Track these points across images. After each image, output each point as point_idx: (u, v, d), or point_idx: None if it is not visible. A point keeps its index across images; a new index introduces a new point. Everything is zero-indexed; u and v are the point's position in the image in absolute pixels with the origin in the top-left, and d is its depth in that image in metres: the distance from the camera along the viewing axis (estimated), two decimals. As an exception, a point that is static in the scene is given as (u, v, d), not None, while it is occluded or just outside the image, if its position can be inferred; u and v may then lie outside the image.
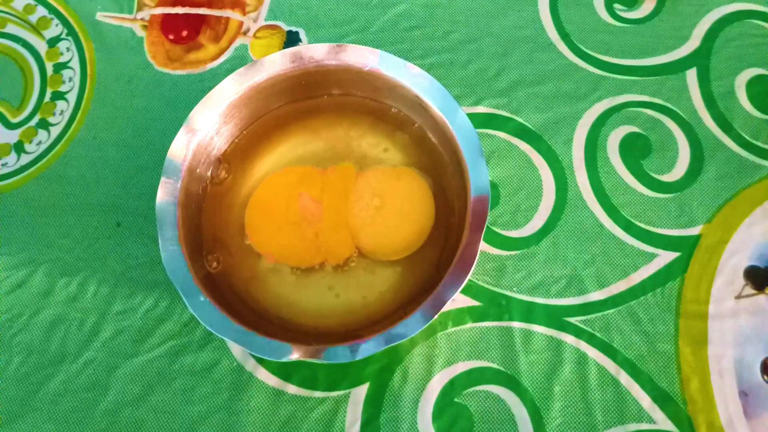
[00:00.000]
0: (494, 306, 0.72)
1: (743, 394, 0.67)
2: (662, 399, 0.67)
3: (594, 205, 0.76)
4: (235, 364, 0.71)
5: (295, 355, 0.60)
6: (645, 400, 0.68)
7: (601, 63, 0.83)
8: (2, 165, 0.82)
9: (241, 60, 0.86)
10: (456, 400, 0.68)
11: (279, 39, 0.87)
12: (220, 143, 0.73)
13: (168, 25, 0.89)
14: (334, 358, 0.60)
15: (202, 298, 0.63)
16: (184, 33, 0.88)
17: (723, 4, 0.86)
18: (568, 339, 0.70)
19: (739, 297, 0.71)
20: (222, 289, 0.68)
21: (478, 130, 0.76)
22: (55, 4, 0.91)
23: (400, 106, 0.74)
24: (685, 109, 0.80)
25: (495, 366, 0.69)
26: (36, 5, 0.91)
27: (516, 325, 0.71)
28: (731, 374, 0.68)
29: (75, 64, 0.88)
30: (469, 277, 0.61)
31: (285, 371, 0.71)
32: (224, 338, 0.64)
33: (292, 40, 0.87)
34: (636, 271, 0.73)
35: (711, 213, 0.75)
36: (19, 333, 0.74)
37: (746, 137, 0.78)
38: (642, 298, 0.72)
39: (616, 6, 0.87)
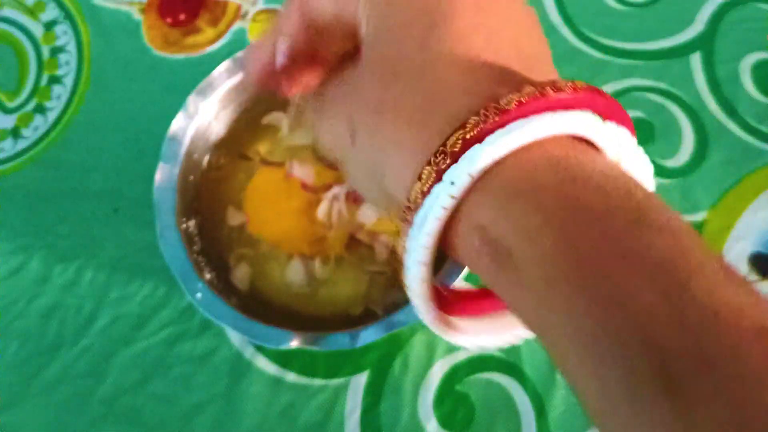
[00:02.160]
0: (496, 293, 0.72)
1: (747, 382, 0.67)
2: (665, 387, 0.67)
3: (597, 190, 0.75)
4: (233, 351, 0.71)
5: (294, 343, 0.60)
6: (648, 388, 0.67)
7: (604, 47, 0.82)
8: (-1, 150, 0.82)
9: (239, 44, 0.85)
10: (457, 387, 0.68)
11: (278, 23, 0.86)
12: (218, 128, 0.73)
13: (166, 8, 0.88)
14: (334, 345, 0.60)
15: (200, 284, 0.62)
16: (182, 16, 0.87)
17: (727, -13, 0.85)
18: (571, 326, 0.70)
19: (743, 284, 0.70)
20: (220, 275, 0.68)
21: (479, 115, 0.75)
22: (51, -12, 0.91)
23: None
24: (690, 94, 0.79)
25: (496, 353, 0.69)
26: (32, -12, 0.91)
27: (517, 311, 0.71)
28: (735, 362, 0.68)
29: (72, 47, 0.87)
30: (470, 263, 0.61)
31: (284, 359, 0.70)
32: (223, 325, 0.64)
33: (291, 23, 0.86)
34: (639, 257, 0.72)
35: (715, 199, 0.74)
36: (16, 320, 0.73)
37: (751, 122, 0.77)
38: (645, 284, 0.71)
39: (620, -11, 0.86)
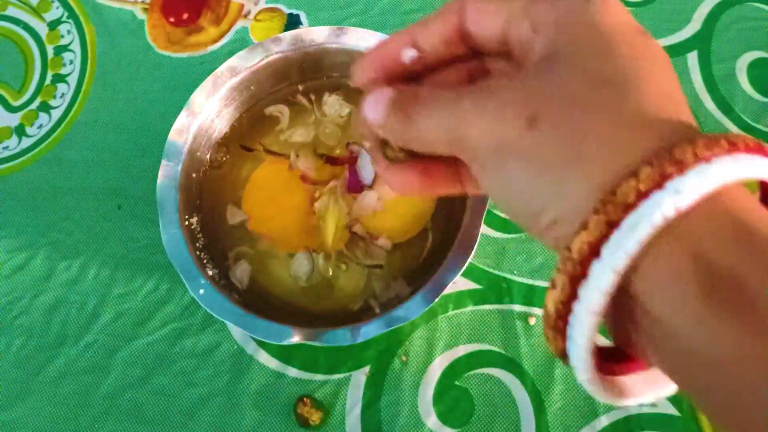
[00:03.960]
0: (495, 289, 0.72)
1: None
2: (663, 382, 0.68)
3: (595, 188, 0.76)
4: (235, 347, 0.71)
5: (295, 338, 0.60)
6: (645, 383, 0.68)
7: (602, 46, 0.83)
8: (3, 148, 0.82)
9: (241, 43, 0.86)
10: (457, 383, 0.69)
11: (280, 22, 0.87)
12: (220, 126, 0.73)
13: (169, 7, 0.89)
14: (335, 341, 0.60)
15: (202, 281, 0.63)
16: (185, 16, 0.88)
17: (724, -14, 0.86)
18: (569, 322, 0.70)
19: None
20: (222, 272, 0.68)
21: (478, 113, 0.76)
22: (55, -13, 0.91)
23: (400, 88, 0.74)
24: (686, 92, 0.78)
25: (496, 349, 0.70)
26: (36, -12, 0.91)
27: (517, 308, 0.71)
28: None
29: (76, 46, 0.87)
30: (469, 260, 0.61)
31: (286, 354, 0.71)
32: (225, 321, 0.64)
33: (292, 22, 0.87)
34: (637, 253, 0.73)
35: (712, 196, 0.74)
36: (20, 316, 0.74)
37: (747, 120, 0.78)
38: (643, 280, 0.72)
39: (618, -12, 0.86)
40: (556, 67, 0.35)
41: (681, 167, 0.29)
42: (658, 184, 0.29)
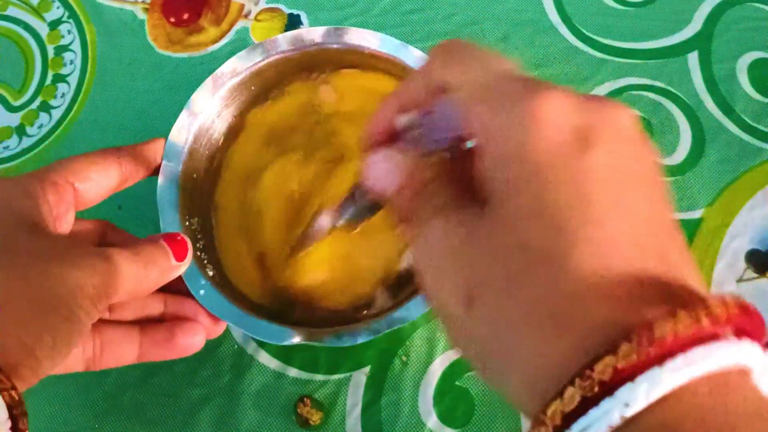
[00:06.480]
0: (496, 288, 0.72)
1: (744, 378, 0.67)
2: (663, 382, 0.67)
3: (595, 188, 0.75)
4: (236, 347, 0.71)
5: (296, 339, 0.60)
6: (646, 384, 0.67)
7: (602, 46, 0.83)
8: (4, 148, 0.82)
9: (242, 43, 0.86)
10: (457, 383, 0.69)
11: (280, 22, 0.87)
12: (220, 126, 0.73)
13: (169, 7, 0.89)
14: (336, 341, 0.60)
15: (203, 281, 0.63)
16: (186, 15, 0.88)
17: (725, -14, 0.86)
18: (571, 321, 0.70)
19: (740, 281, 0.71)
20: (222, 272, 0.68)
21: (479, 114, 0.76)
22: (55, -13, 0.91)
23: (401, 89, 0.74)
24: (687, 93, 0.80)
25: (496, 349, 0.69)
26: (37, -12, 0.91)
27: (517, 308, 0.71)
28: (732, 358, 0.68)
29: (76, 46, 0.87)
30: (470, 260, 0.61)
31: (286, 354, 0.71)
32: (225, 321, 0.64)
33: (293, 22, 0.87)
34: (637, 254, 0.73)
35: (712, 196, 0.75)
36: (21, 316, 0.74)
37: (748, 121, 0.78)
38: (643, 281, 0.71)
39: (618, -11, 0.86)
40: (495, 221, 0.34)
41: (633, 371, 0.28)
42: (601, 394, 0.28)
